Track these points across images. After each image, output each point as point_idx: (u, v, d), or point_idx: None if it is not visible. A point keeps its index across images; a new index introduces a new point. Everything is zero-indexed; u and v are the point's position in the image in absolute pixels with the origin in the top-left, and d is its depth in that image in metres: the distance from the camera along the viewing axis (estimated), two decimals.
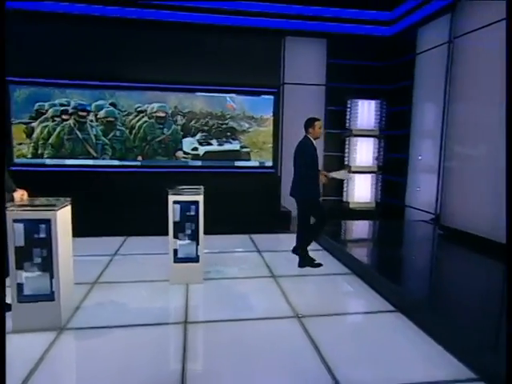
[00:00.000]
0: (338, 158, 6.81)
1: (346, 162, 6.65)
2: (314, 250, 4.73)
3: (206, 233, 3.67)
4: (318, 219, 4.10)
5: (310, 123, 3.93)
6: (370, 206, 6.64)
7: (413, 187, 6.20)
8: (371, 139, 6.63)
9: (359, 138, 6.53)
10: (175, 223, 3.51)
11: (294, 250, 4.25)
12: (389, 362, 2.38)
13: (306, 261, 4.12)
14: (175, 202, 3.51)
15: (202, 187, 3.67)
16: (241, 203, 6.34)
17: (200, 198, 3.54)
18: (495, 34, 4.24)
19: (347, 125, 6.59)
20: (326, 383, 2.16)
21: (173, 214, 3.50)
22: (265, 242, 5.06)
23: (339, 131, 6.73)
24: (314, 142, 3.92)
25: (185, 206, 3.53)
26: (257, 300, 3.26)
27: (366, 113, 6.54)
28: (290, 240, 5.25)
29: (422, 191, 5.93)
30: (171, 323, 2.84)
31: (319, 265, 4.07)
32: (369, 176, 6.70)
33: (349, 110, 6.56)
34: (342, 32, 6.72)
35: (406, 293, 3.03)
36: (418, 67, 6.11)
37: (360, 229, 5.58)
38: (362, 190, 6.64)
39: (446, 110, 5.10)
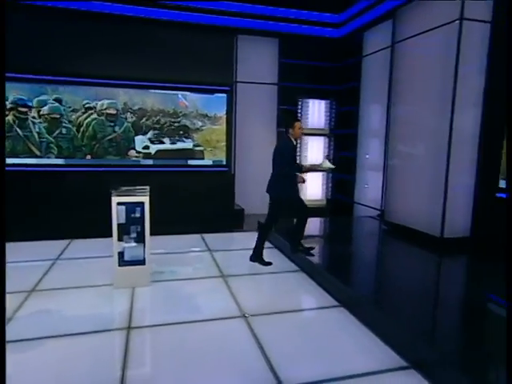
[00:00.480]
0: None
1: (297, 161, 6.78)
2: (265, 248, 4.82)
3: (157, 233, 3.60)
4: (299, 217, 4.20)
5: (291, 123, 3.96)
6: (321, 203, 6.85)
7: (361, 184, 6.47)
8: (322, 138, 6.83)
9: (310, 137, 6.69)
10: (120, 225, 3.41)
11: (299, 247, 4.30)
12: (330, 357, 2.47)
13: (258, 258, 4.19)
14: (119, 204, 3.41)
15: (147, 187, 3.59)
16: (194, 202, 6.29)
17: (145, 199, 3.46)
18: (431, 40, 4.50)
19: None
20: (268, 382, 2.21)
21: (117, 215, 3.39)
22: (217, 242, 5.05)
23: None
24: (294, 141, 3.99)
25: (130, 207, 3.44)
26: (204, 301, 3.25)
27: (316, 112, 6.72)
28: (242, 238, 5.31)
29: (370, 188, 6.20)
30: (114, 329, 2.75)
31: (269, 263, 4.14)
32: (320, 174, 6.90)
33: (300, 109, 6.70)
34: (294, 32, 6.84)
35: (348, 288, 3.15)
36: (365, 69, 6.37)
37: (310, 226, 5.70)
38: (313, 187, 6.83)
39: (389, 110, 5.35)
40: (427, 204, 4.53)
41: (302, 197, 6.75)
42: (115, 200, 3.39)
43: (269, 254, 4.62)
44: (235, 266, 4.10)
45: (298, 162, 4.16)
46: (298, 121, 4.03)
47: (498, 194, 4.36)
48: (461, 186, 4.37)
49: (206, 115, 6.97)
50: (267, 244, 4.97)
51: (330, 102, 6.84)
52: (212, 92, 6.79)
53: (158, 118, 6.63)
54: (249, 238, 5.32)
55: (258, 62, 6.81)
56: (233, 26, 6.62)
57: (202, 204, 6.37)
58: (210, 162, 6.87)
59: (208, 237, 5.22)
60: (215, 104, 6.92)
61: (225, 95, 6.82)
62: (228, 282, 3.62)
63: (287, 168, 3.88)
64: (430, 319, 2.89)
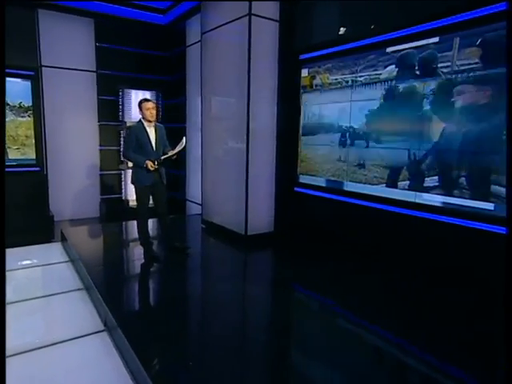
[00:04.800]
0: (115, 153, 6.30)
1: (122, 157, 6.20)
2: (59, 263, 4.20)
3: None
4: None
5: (138, 105, 3.72)
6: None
7: (193, 180, 6.23)
8: None
9: None
10: None
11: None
12: None
13: (147, 250, 3.87)
14: None
15: None
16: None
17: None
18: (229, 33, 4.39)
19: (120, 116, 6.12)
20: None
21: None
22: None
23: (114, 123, 6.20)
24: (146, 124, 3.66)
25: None
26: None
27: None
28: (39, 253, 4.52)
29: (197, 184, 6.00)
30: None
31: (156, 257, 3.84)
32: None
33: (121, 100, 6.09)
34: (113, 14, 6.13)
35: (110, 308, 2.78)
36: (189, 60, 6.09)
37: (123, 231, 5.24)
38: None
39: (202, 102, 5.15)
40: (233, 202, 4.49)
41: (130, 196, 6.31)
42: None
43: (62, 269, 4.04)
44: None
45: (153, 146, 3.70)
46: (147, 101, 3.71)
47: (296, 189, 4.56)
48: (261, 183, 4.42)
49: (8, 104, 5.82)
50: (63, 258, 4.36)
51: (156, 93, 6.38)
52: (10, 76, 5.66)
53: None
54: (47, 252, 4.61)
55: (68, 44, 5.91)
56: None
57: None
58: (13, 162, 5.78)
59: None
60: (17, 91, 5.81)
61: (28, 81, 5.78)
62: None
63: (125, 153, 3.73)
64: (190, 334, 2.64)
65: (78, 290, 3.52)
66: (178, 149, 3.79)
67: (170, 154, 3.75)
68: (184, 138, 3.87)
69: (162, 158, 3.72)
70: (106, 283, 3.28)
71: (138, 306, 3.05)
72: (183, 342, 2.47)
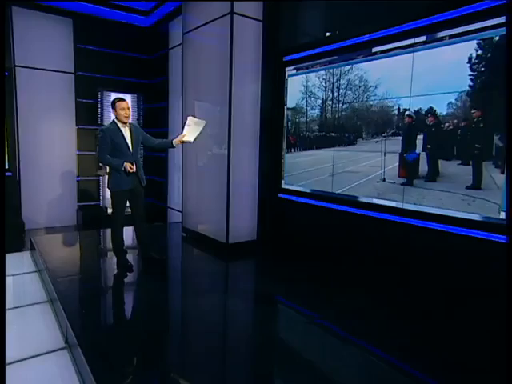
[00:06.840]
0: (94, 158, 6.02)
1: (129, 148, 5.91)
2: (26, 273, 3.91)
3: None
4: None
5: (111, 105, 3.47)
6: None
7: (174, 187, 6.00)
8: None
9: None
10: None
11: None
12: None
13: (120, 260, 3.62)
14: None
15: None
16: None
17: None
18: (212, 33, 4.23)
19: (99, 120, 5.88)
20: None
21: None
22: None
23: (93, 127, 5.95)
24: (120, 125, 3.41)
25: None
26: None
27: None
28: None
29: (180, 192, 5.77)
30: None
31: (130, 268, 3.61)
32: None
33: (100, 102, 5.86)
34: (93, 14, 5.94)
35: (73, 325, 2.52)
36: (171, 63, 5.91)
37: (97, 239, 4.96)
38: None
39: (183, 107, 4.96)
40: (214, 209, 4.28)
41: (108, 204, 6.03)
42: None
43: (28, 280, 3.75)
44: None
45: (129, 148, 3.46)
46: (121, 100, 3.46)
47: (279, 195, 4.38)
48: (244, 189, 4.22)
49: None
50: (30, 268, 4.07)
51: (137, 96, 6.17)
52: None
53: None
54: (15, 262, 4.29)
55: (45, 44, 5.68)
56: None
57: None
58: None
59: None
60: None
61: None
62: None
63: (101, 157, 3.46)
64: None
65: (43, 302, 3.24)
66: (193, 133, 3.50)
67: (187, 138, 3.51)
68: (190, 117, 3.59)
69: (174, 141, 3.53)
70: (71, 295, 3.01)
71: (103, 322, 2.79)
72: (151, 367, 2.22)
